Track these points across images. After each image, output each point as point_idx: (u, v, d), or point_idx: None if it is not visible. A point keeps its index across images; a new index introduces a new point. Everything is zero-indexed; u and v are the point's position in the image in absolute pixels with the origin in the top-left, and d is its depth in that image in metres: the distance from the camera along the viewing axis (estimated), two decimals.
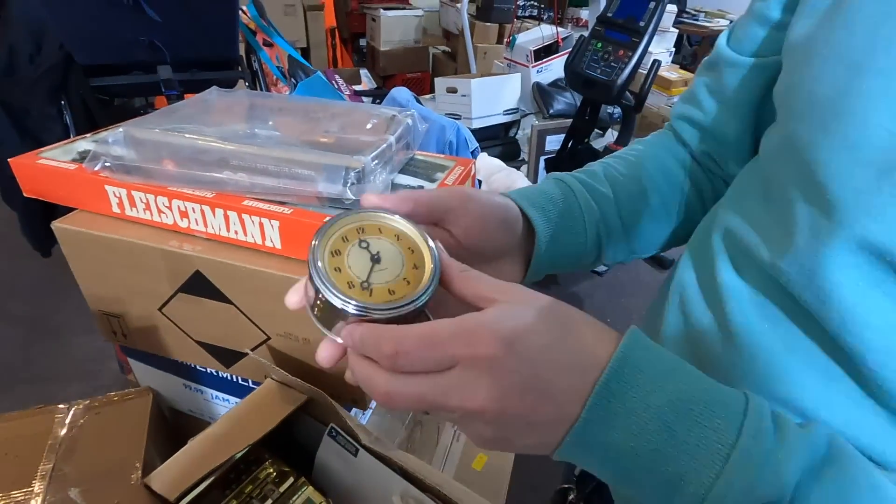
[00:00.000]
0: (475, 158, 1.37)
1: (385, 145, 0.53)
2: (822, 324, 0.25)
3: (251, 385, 0.66)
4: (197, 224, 0.55)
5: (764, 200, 0.31)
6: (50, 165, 0.57)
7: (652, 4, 1.39)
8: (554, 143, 2.11)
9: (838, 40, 0.25)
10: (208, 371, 0.67)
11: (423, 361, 0.22)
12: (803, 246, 0.26)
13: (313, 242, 0.25)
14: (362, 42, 3.61)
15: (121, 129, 0.53)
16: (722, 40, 0.38)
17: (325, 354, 0.25)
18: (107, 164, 0.54)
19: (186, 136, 0.52)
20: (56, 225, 0.57)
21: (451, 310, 0.24)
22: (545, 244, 0.35)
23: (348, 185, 0.49)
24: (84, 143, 0.65)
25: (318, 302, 0.25)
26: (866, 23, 0.24)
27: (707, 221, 0.38)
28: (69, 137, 1.38)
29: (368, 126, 0.60)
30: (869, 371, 0.24)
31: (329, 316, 0.25)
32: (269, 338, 0.57)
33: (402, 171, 0.60)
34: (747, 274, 0.31)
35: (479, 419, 0.22)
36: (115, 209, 0.57)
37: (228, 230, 0.53)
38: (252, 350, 0.59)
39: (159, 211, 0.55)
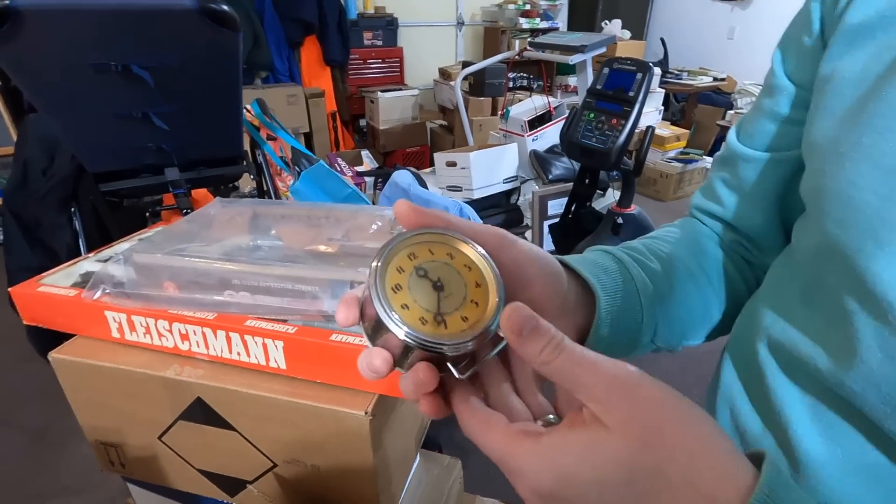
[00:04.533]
0: None
1: None
2: None
3: None
4: (198, 347, 0.52)
5: (808, 304, 0.29)
6: (50, 293, 0.56)
7: (639, 76, 1.44)
8: (555, 206, 2.12)
9: (870, 144, 0.24)
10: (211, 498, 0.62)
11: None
12: (875, 365, 0.24)
13: (375, 269, 0.23)
14: (362, 122, 3.76)
15: (121, 255, 0.52)
16: (732, 136, 0.38)
17: (378, 362, 0.23)
18: (107, 290, 0.52)
19: (188, 258, 0.51)
20: (54, 356, 0.55)
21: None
22: (607, 316, 0.31)
23: None
24: (87, 265, 0.64)
25: (383, 334, 0.22)
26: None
27: (746, 322, 0.35)
28: (78, 243, 1.40)
29: (372, 230, 0.59)
30: None
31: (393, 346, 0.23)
32: (275, 465, 0.53)
33: None
34: (803, 383, 0.28)
35: None
36: (115, 334, 0.55)
37: (231, 352, 0.51)
38: (259, 478, 0.55)
39: (160, 335, 0.53)
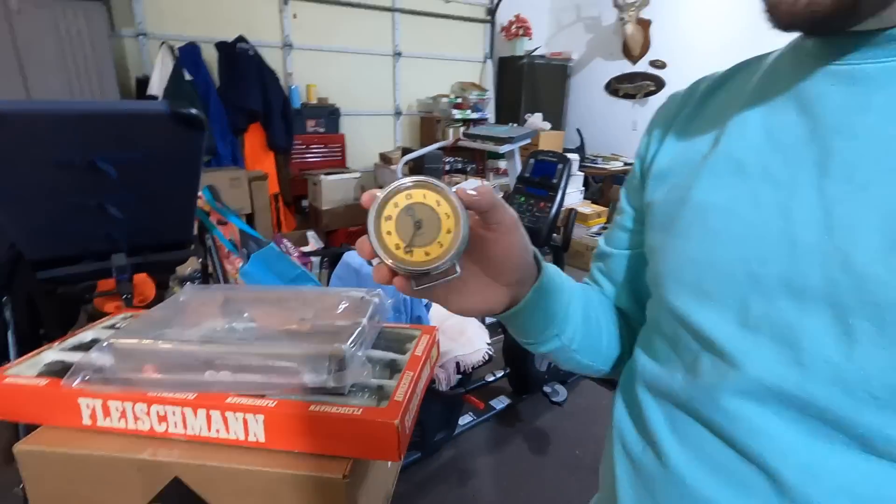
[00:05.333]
0: (427, 311, 1.45)
1: (360, 329, 0.59)
2: (731, 438, 0.33)
3: None
4: (176, 427, 0.55)
5: (667, 347, 0.41)
6: (18, 384, 0.57)
7: (560, 165, 1.66)
8: None
9: (681, 245, 0.39)
10: None
11: None
12: (709, 379, 0.35)
13: (377, 201, 0.32)
14: (304, 203, 3.85)
15: (105, 342, 0.55)
16: (601, 241, 0.54)
17: (367, 249, 0.33)
18: (87, 377, 0.55)
19: (172, 342, 0.55)
20: (20, 448, 0.55)
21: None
22: (547, 283, 0.42)
23: (331, 373, 0.53)
24: (51, 354, 0.65)
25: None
26: (693, 237, 0.37)
27: (629, 367, 0.47)
28: (6, 332, 1.32)
29: (340, 310, 0.66)
30: (774, 469, 0.31)
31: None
32: None
33: (373, 346, 0.65)
34: (663, 402, 0.39)
35: None
36: (87, 421, 0.56)
37: (210, 430, 0.54)
38: None
39: (135, 418, 0.55)
